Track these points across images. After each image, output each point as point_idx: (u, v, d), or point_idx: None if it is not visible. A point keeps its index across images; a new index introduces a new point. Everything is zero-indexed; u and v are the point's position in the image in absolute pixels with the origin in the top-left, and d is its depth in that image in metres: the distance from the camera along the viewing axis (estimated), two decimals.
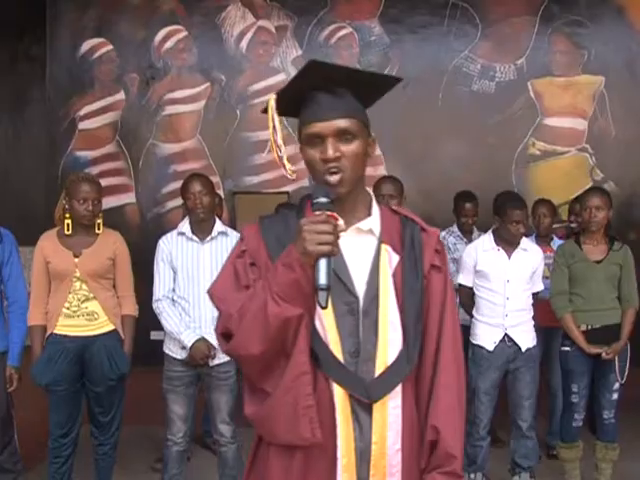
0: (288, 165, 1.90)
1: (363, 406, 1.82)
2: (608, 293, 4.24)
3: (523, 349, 4.25)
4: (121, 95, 6.32)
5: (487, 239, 4.33)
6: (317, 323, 1.80)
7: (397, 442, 1.84)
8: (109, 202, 5.70)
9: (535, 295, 4.40)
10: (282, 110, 1.89)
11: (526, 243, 4.35)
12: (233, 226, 5.68)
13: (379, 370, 1.82)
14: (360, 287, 1.86)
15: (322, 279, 1.64)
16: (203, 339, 3.86)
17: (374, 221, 1.92)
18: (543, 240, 5.16)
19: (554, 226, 5.34)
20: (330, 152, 1.80)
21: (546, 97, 6.37)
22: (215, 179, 6.09)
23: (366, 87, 1.89)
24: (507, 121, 6.31)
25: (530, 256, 4.31)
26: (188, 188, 3.97)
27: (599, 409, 4.36)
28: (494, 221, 4.35)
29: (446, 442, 1.85)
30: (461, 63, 6.32)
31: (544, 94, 6.37)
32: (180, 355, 3.93)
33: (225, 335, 1.80)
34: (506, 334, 4.22)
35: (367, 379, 1.81)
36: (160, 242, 4.03)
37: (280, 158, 1.90)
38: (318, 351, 1.79)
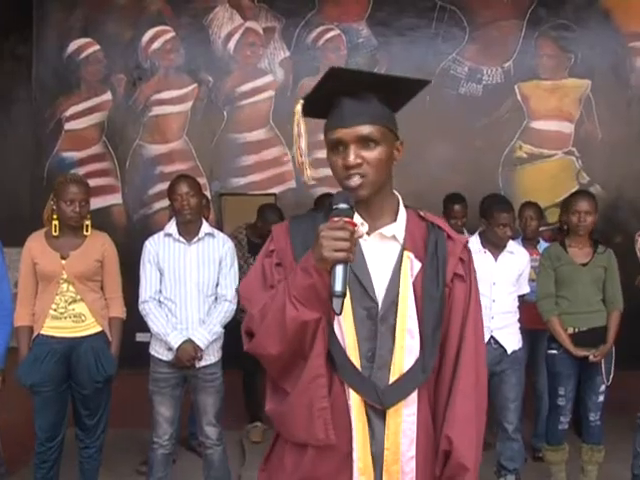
0: (308, 171, 1.90)
1: (376, 412, 1.84)
2: (593, 296, 4.27)
3: (509, 351, 4.25)
4: (108, 96, 6.28)
5: (474, 241, 4.34)
6: (335, 327, 1.82)
7: (411, 449, 1.85)
8: (95, 203, 5.63)
9: (521, 297, 4.41)
10: (311, 112, 1.90)
11: (512, 246, 4.36)
12: (220, 227, 5.68)
13: (393, 377, 1.84)
14: (380, 293, 1.87)
15: (337, 286, 1.64)
16: (190, 340, 3.86)
17: (398, 227, 1.92)
18: (530, 243, 5.18)
19: (541, 229, 5.36)
20: (351, 158, 1.81)
21: (533, 100, 6.39)
22: (202, 180, 6.05)
23: (392, 91, 1.89)
24: (494, 124, 6.32)
25: (516, 259, 4.33)
26: (175, 189, 3.97)
27: (585, 411, 4.38)
28: (481, 223, 4.36)
29: (459, 452, 1.85)
30: (448, 66, 6.32)
31: (531, 97, 6.39)
32: (166, 357, 3.93)
33: (248, 334, 1.83)
34: (492, 336, 4.22)
35: (381, 385, 1.83)
36: (147, 243, 4.03)
37: (302, 163, 1.91)
38: (335, 355, 1.80)
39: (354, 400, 1.82)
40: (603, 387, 4.29)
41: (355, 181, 1.82)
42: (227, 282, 4.00)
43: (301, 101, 1.90)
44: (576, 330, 4.25)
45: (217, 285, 4.00)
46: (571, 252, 4.29)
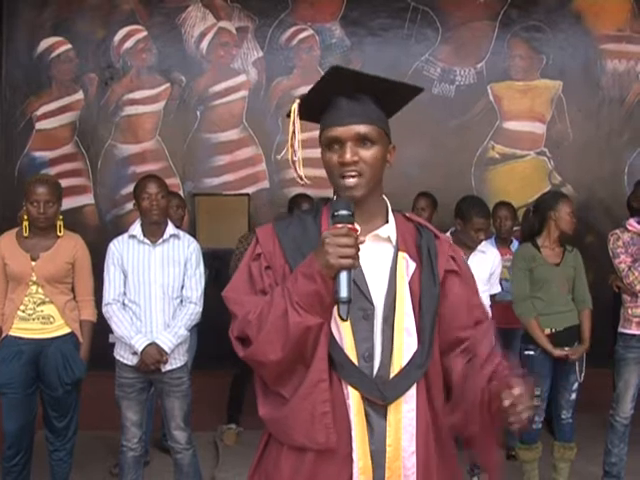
0: (300, 170, 1.92)
1: (376, 409, 1.85)
2: (566, 295, 4.30)
3: None
4: (79, 95, 6.22)
5: None
6: (333, 327, 1.82)
7: (412, 445, 1.86)
8: (67, 203, 5.57)
9: (492, 297, 4.43)
10: (304, 115, 1.92)
11: (484, 245, 4.38)
12: (193, 228, 5.65)
13: (393, 374, 1.85)
14: (376, 293, 1.89)
15: (343, 292, 1.67)
16: (154, 344, 3.81)
17: (391, 228, 1.95)
18: (503, 242, 5.21)
19: (514, 229, 5.39)
20: (348, 156, 1.83)
21: (505, 101, 6.43)
22: (175, 181, 6.04)
23: (388, 95, 1.92)
24: (467, 124, 6.35)
25: (488, 258, 4.35)
26: (145, 189, 3.90)
27: (558, 409, 4.41)
28: (455, 223, 4.37)
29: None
30: (421, 66, 6.34)
31: (503, 98, 6.43)
32: (131, 361, 3.86)
33: (241, 339, 1.82)
34: None
35: (381, 382, 1.84)
36: (111, 245, 3.97)
37: (294, 162, 1.93)
38: (334, 354, 1.81)
39: (353, 399, 1.83)
40: (576, 385, 4.32)
41: (351, 182, 1.85)
42: (192, 284, 3.95)
43: (297, 100, 1.92)
44: (553, 330, 4.27)
45: (182, 287, 3.97)
46: (544, 252, 4.31)
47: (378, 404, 1.84)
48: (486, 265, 4.32)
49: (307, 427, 1.78)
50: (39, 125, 6.20)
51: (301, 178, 1.94)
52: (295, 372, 1.79)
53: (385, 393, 1.84)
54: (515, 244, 5.17)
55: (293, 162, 1.93)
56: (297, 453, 1.84)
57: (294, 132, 1.91)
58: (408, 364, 1.86)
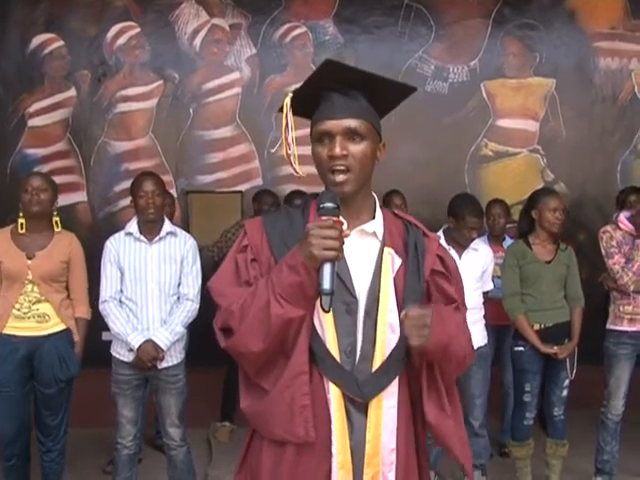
0: (297, 165, 1.94)
1: (356, 405, 1.85)
2: (557, 292, 4.31)
3: (474, 347, 4.27)
4: (72, 92, 6.20)
5: None
6: (316, 321, 1.83)
7: (392, 442, 1.87)
8: (60, 200, 5.55)
9: (485, 294, 4.44)
10: (296, 110, 1.93)
11: (476, 243, 4.39)
12: (186, 225, 5.64)
13: (374, 370, 1.86)
14: (360, 288, 1.89)
15: (326, 284, 1.68)
16: (150, 341, 3.80)
17: (378, 224, 1.95)
18: (496, 240, 5.21)
19: (507, 226, 5.40)
20: (337, 150, 1.84)
21: (498, 98, 6.43)
22: (168, 178, 6.01)
23: (380, 92, 1.92)
24: (460, 122, 6.35)
25: (480, 256, 4.36)
26: (142, 186, 3.89)
27: (549, 406, 4.42)
28: (448, 221, 4.37)
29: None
30: (415, 64, 6.34)
31: (496, 95, 6.43)
32: (127, 358, 3.86)
33: (224, 330, 1.83)
34: None
35: (361, 378, 1.84)
36: (107, 243, 3.96)
37: (289, 156, 1.93)
38: (315, 348, 1.82)
39: (333, 394, 1.83)
40: (567, 382, 4.33)
41: (340, 178, 1.85)
42: (189, 281, 3.95)
43: (290, 94, 1.92)
44: (542, 326, 4.28)
45: (179, 284, 3.96)
46: (535, 250, 4.31)
47: (357, 401, 1.84)
48: (478, 262, 4.33)
49: (286, 420, 1.78)
50: (31, 122, 6.18)
51: (296, 172, 1.94)
52: (276, 364, 1.80)
53: (364, 391, 1.84)
54: (508, 241, 5.17)
55: (288, 156, 1.93)
56: (277, 446, 1.85)
57: (287, 126, 1.92)
58: (388, 360, 1.86)
